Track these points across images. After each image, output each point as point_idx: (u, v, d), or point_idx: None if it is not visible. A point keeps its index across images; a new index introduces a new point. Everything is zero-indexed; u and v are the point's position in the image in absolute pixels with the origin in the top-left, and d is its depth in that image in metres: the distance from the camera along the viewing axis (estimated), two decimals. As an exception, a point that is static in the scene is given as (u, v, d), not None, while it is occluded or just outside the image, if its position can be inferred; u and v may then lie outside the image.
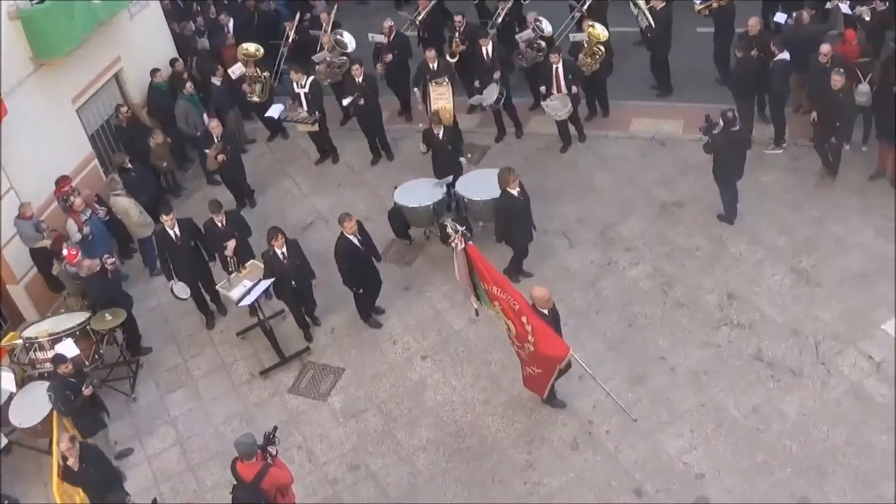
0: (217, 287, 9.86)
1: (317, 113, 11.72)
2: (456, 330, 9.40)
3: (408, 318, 9.70)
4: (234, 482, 6.86)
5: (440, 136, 10.41)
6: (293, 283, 9.13)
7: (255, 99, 12.60)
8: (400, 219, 10.29)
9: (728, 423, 7.97)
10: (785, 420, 7.90)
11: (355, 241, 9.01)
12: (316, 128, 11.93)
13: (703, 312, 9.02)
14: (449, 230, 7.87)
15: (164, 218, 9.57)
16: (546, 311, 7.64)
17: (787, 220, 9.90)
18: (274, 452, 6.74)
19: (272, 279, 8.98)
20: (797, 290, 9.04)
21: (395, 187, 10.49)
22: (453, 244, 7.77)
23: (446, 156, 10.47)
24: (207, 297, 10.19)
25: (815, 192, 10.17)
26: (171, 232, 9.57)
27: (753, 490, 7.47)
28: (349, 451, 8.43)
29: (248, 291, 9.00)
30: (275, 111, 12.27)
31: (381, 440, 8.44)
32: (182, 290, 9.85)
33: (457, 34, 12.13)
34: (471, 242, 7.90)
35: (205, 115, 12.17)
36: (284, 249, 9.01)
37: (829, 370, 8.18)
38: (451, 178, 10.26)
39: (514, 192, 9.01)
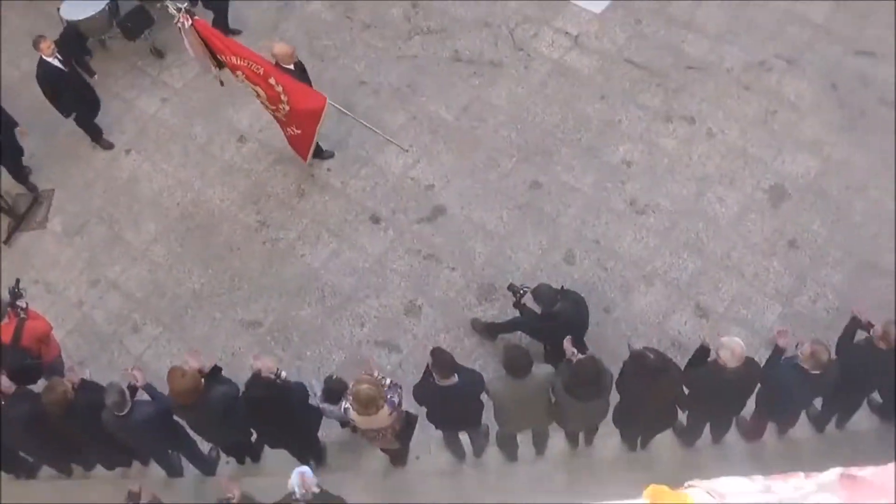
0: None
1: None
2: (151, 114, 10.27)
3: (100, 117, 10.22)
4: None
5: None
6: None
7: None
8: (74, 39, 10.44)
9: (443, 128, 9.45)
10: (497, 112, 9.56)
11: (56, 62, 9.37)
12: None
13: (391, 28, 10.40)
14: (171, 10, 8.36)
15: None
16: (292, 67, 8.51)
17: None
18: (24, 305, 7.39)
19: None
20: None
21: (58, 9, 10.58)
22: (178, 24, 8.31)
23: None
24: None
25: None
26: None
27: (485, 186, 9.07)
28: (84, 268, 9.20)
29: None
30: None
31: (111, 247, 9.29)
32: None
33: None
34: (197, 17, 8.43)
35: None
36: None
37: (529, 54, 9.98)
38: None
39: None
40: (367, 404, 6.09)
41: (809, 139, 9.44)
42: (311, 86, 8.70)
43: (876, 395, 7.67)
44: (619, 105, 9.61)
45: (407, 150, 9.30)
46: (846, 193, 9.07)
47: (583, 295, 7.55)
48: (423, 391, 6.62)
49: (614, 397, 6.72)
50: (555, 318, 7.17)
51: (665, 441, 7.55)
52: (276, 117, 8.84)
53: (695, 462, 7.35)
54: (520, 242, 8.71)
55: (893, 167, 9.09)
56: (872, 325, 6.70)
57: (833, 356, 6.46)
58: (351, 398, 6.18)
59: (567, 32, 10.22)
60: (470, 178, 9.13)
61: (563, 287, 7.47)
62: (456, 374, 6.38)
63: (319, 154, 9.35)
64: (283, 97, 8.35)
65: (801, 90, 9.77)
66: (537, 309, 7.27)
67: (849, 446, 7.71)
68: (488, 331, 8.22)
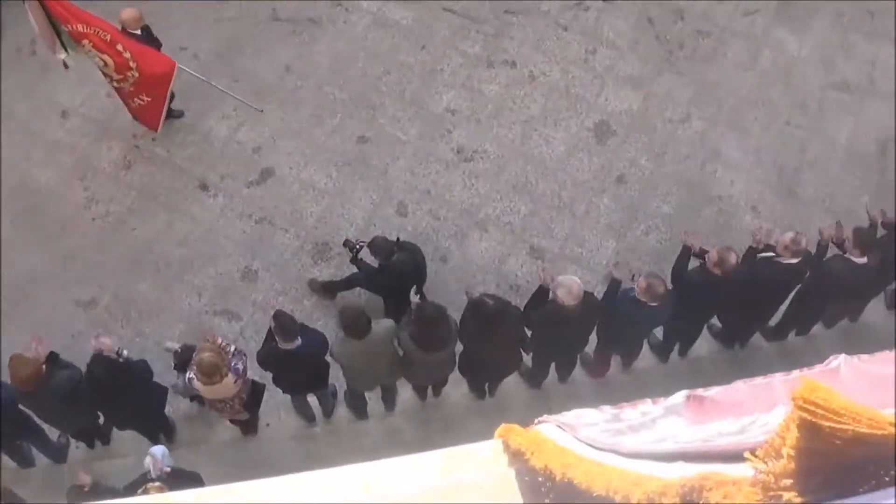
0: None
1: None
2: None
3: None
4: None
5: None
6: None
7: None
8: None
9: (266, 89, 10.63)
10: (319, 69, 10.85)
11: None
12: None
13: (205, -6, 11.53)
14: None
15: None
16: (139, 32, 9.38)
17: None
18: None
19: None
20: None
21: None
22: None
23: None
24: None
25: None
26: None
27: (312, 144, 10.35)
28: None
29: None
30: None
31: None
32: None
33: None
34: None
35: None
36: None
37: (348, 8, 11.28)
38: None
39: None
40: (211, 373, 6.84)
41: (630, 75, 11.17)
42: (159, 50, 9.64)
43: (715, 321, 9.34)
44: (440, 54, 11.07)
45: (261, 111, 10.42)
46: (670, 126, 10.85)
47: (418, 245, 8.90)
48: (267, 356, 7.47)
49: (459, 347, 7.95)
50: (393, 269, 8.32)
51: (513, 385, 9.00)
52: (119, 88, 9.67)
53: (545, 402, 8.63)
54: (351, 198, 10.07)
55: (713, 96, 10.92)
56: (706, 252, 8.09)
57: (668, 287, 7.81)
58: (195, 368, 6.94)
59: (380, -15, 11.65)
60: (296, 137, 10.43)
61: (398, 238, 8.70)
62: (299, 337, 7.24)
63: (170, 114, 10.27)
64: (131, 63, 9.17)
65: (619, 27, 11.48)
66: (375, 263, 8.48)
67: (693, 372, 9.43)
68: (326, 290, 9.43)
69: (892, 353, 3.31)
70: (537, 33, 11.34)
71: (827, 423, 2.08)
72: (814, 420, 2.09)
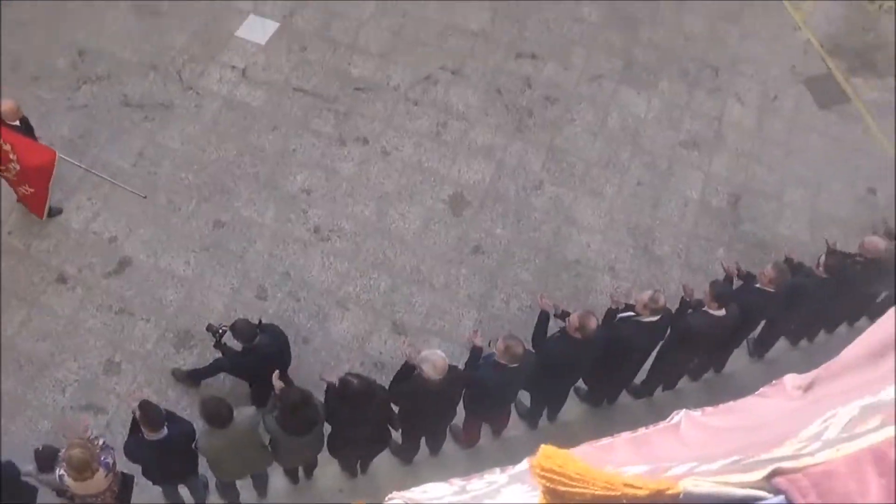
0: None
1: None
2: None
3: None
4: None
5: None
6: None
7: None
8: None
9: (120, 176, 12.05)
10: (173, 154, 12.43)
11: None
12: None
13: (59, 78, 12.99)
14: None
15: None
16: (17, 123, 10.56)
17: None
18: None
19: None
20: (143, 25, 13.70)
21: None
22: None
23: None
24: None
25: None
26: None
27: (168, 230, 11.78)
28: None
29: None
30: None
31: None
32: None
33: None
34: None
35: None
36: None
37: (199, 92, 12.98)
38: None
39: None
40: (82, 468, 7.38)
41: (482, 145, 13.13)
42: (37, 141, 10.96)
43: (581, 384, 10.72)
44: (292, 134, 12.86)
45: (145, 197, 11.86)
46: (523, 193, 12.79)
47: (280, 328, 10.27)
48: (134, 448, 8.12)
49: (327, 428, 8.70)
50: (256, 352, 9.14)
51: (385, 461, 10.18)
52: (5, 178, 10.96)
53: (415, 477, 9.38)
54: (210, 284, 11.58)
55: (564, 161, 12.96)
56: (568, 313, 9.14)
57: (528, 348, 8.72)
58: (64, 464, 7.46)
59: (234, 67, 13.38)
60: (152, 224, 11.93)
61: (260, 321, 9.95)
62: (165, 426, 7.90)
63: (50, 213, 11.57)
64: (11, 156, 10.39)
65: (468, 99, 13.51)
66: (238, 347, 9.63)
67: (563, 436, 10.97)
68: (191, 378, 10.48)
69: (733, 404, 3.90)
70: (388, 109, 13.28)
71: (564, 488, 2.57)
72: (552, 486, 2.59)
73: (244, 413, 8.38)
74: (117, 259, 11.75)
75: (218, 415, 7.99)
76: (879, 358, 3.48)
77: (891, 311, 3.58)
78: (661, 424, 3.99)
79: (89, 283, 11.57)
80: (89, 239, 11.89)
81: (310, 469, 9.80)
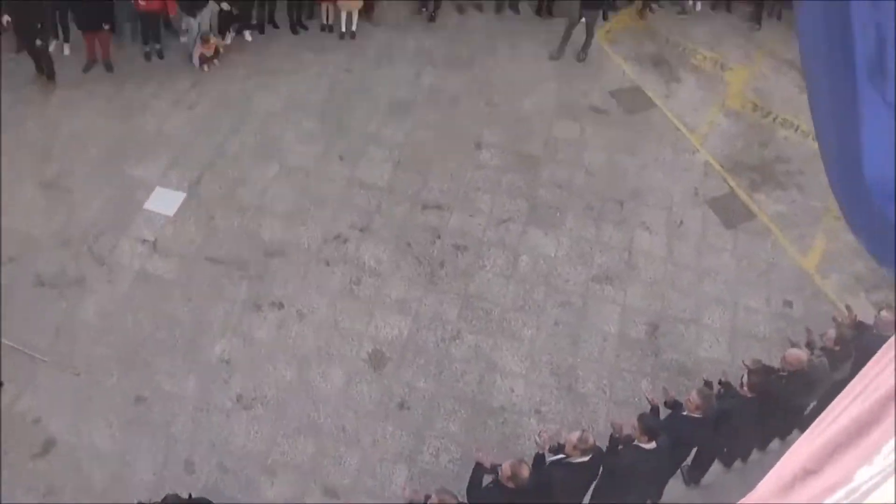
0: None
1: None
2: None
3: None
4: None
5: None
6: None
7: None
8: None
9: (38, 354, 13.22)
10: (90, 330, 13.52)
11: None
12: None
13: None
14: None
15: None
16: None
17: (18, 135, 16.01)
18: None
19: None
20: (52, 202, 15.14)
21: None
22: None
23: None
24: None
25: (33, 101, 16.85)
26: None
27: (91, 408, 12.78)
28: None
29: None
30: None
31: None
32: None
33: None
34: None
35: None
36: None
37: (111, 267, 14.26)
38: None
39: None
40: None
41: (396, 300, 14.51)
42: None
43: None
44: (207, 303, 14.16)
45: (79, 375, 13.04)
46: (442, 344, 14.09)
47: (210, 500, 11.27)
48: None
49: None
50: None
51: None
52: None
53: None
54: (135, 460, 12.52)
55: (480, 308, 14.45)
56: (498, 466, 9.78)
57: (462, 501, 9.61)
58: None
59: (145, 240, 14.73)
60: (74, 402, 12.99)
61: (190, 495, 10.96)
62: None
63: None
64: None
65: (379, 255, 14.97)
66: None
67: None
68: None
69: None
70: (300, 271, 14.68)
71: None
72: None
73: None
74: (42, 440, 12.72)
75: None
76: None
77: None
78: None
79: (15, 466, 12.41)
80: (14, 420, 12.85)
81: None
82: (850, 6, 3.62)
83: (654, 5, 21.53)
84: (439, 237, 15.38)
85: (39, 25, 16.59)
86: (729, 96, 19.50)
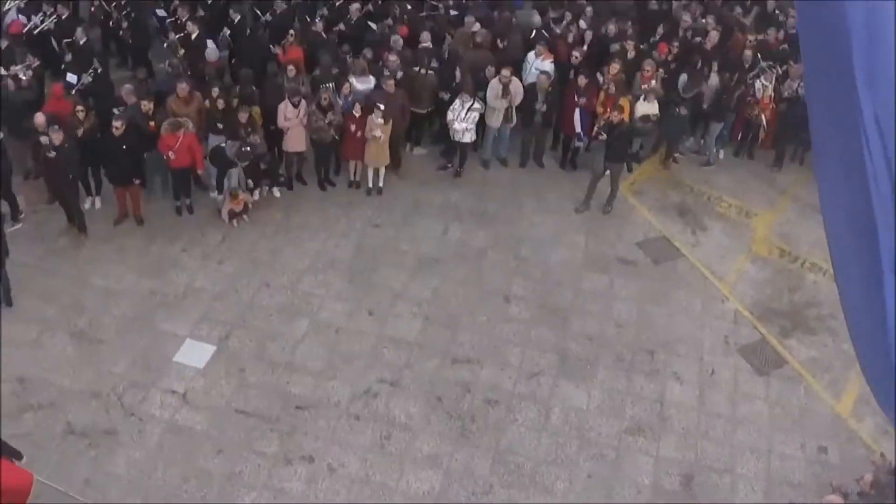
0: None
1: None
2: None
3: None
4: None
5: None
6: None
7: None
8: None
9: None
10: (119, 481, 13.41)
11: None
12: None
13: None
14: None
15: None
16: None
17: (50, 286, 16.45)
18: None
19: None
20: (83, 353, 15.30)
21: None
22: None
23: None
24: None
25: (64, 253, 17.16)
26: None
27: None
28: None
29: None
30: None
31: None
32: None
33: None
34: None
35: None
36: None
37: (141, 418, 14.24)
38: None
39: None
40: None
41: (427, 454, 14.41)
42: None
43: None
44: (237, 456, 14.07)
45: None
46: (474, 499, 13.88)
47: None
48: None
49: None
50: None
51: None
52: None
53: None
54: None
55: (512, 462, 14.30)
56: None
57: None
58: None
59: (174, 391, 14.80)
60: None
61: None
62: None
63: None
64: None
65: (410, 409, 14.94)
66: None
67: None
68: None
69: None
70: (330, 425, 14.62)
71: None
72: None
73: None
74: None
75: None
76: None
77: None
78: None
79: None
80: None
81: None
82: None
83: (677, 155, 22.03)
84: (469, 391, 15.35)
85: (71, 177, 17.06)
86: (755, 242, 19.75)
